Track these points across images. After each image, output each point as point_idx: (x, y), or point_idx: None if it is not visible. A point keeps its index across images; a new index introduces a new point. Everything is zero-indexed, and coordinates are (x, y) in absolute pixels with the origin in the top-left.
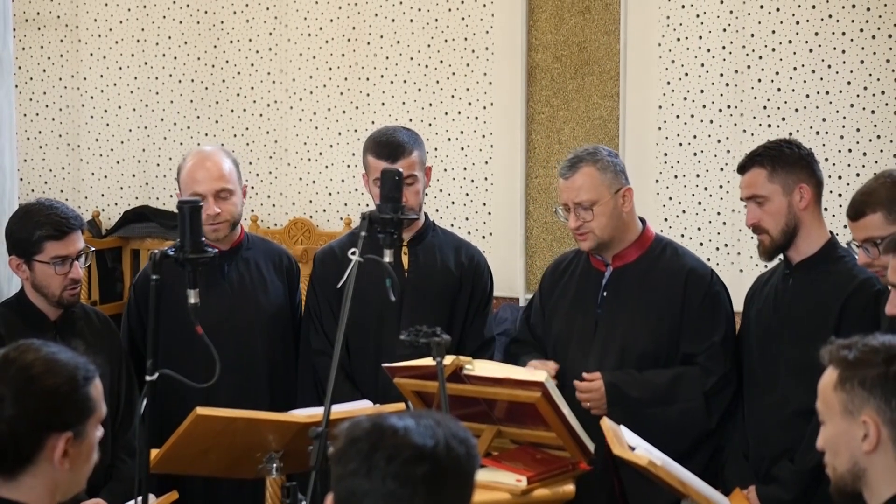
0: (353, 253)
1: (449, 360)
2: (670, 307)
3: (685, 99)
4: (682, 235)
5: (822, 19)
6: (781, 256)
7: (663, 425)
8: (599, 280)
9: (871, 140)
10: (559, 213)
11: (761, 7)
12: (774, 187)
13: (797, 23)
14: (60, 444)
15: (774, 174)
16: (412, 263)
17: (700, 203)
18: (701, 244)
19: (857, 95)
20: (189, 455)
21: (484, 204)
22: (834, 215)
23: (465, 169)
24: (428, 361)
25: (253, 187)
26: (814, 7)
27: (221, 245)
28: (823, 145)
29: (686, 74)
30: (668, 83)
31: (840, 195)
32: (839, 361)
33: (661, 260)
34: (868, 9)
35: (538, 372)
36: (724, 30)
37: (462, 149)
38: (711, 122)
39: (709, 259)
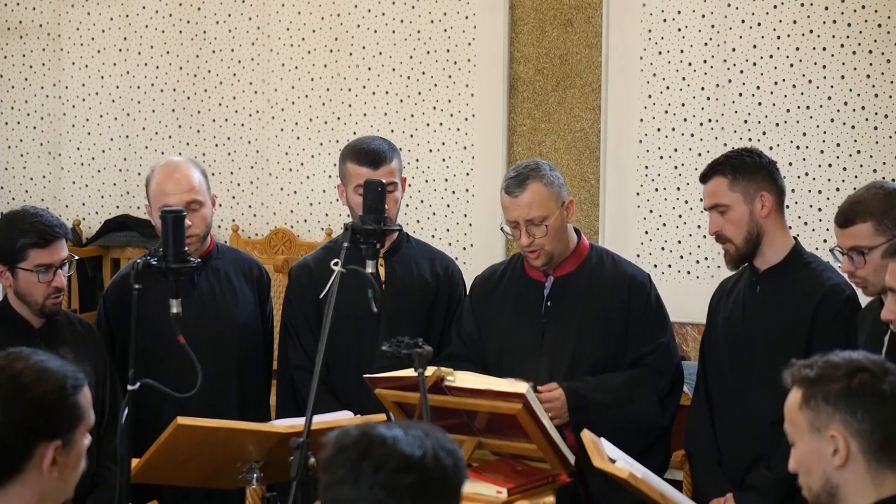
0: (336, 264)
1: (430, 371)
2: (616, 313)
3: (666, 112)
4: (663, 248)
5: (804, 34)
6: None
7: (623, 425)
8: (540, 291)
9: (851, 155)
10: (505, 230)
11: (742, 22)
12: (735, 196)
13: (778, 38)
14: (49, 452)
15: (735, 183)
16: (389, 275)
17: (681, 216)
18: (681, 257)
19: (838, 110)
20: (170, 465)
21: (465, 215)
22: (814, 229)
23: (446, 180)
24: (409, 372)
25: (234, 197)
26: (795, 22)
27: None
28: (804, 160)
29: (667, 88)
30: (650, 96)
31: (820, 209)
32: (801, 380)
33: (600, 268)
34: (849, 24)
35: (519, 383)
36: (706, 44)
37: (443, 160)
38: (692, 135)
39: (689, 272)
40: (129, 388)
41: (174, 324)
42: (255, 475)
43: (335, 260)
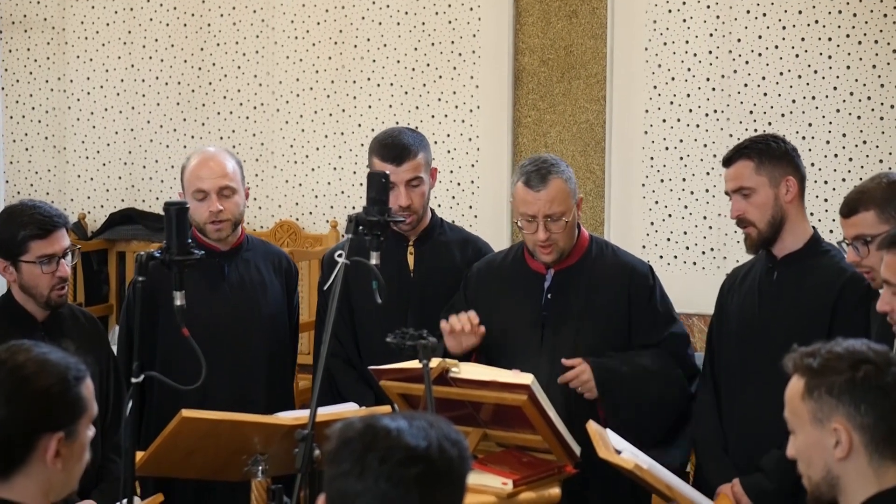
0: (340, 255)
1: (435, 362)
2: (617, 305)
3: (671, 103)
4: (668, 239)
5: (809, 25)
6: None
7: (651, 398)
8: (541, 283)
9: (856, 145)
10: (520, 224)
11: (748, 12)
12: (761, 179)
13: (783, 28)
14: (52, 444)
15: (761, 166)
16: (418, 262)
17: (686, 207)
18: (687, 248)
19: (843, 100)
20: (175, 457)
21: (470, 207)
22: (819, 220)
23: (451, 172)
24: (414, 364)
25: None
26: (800, 12)
27: (222, 245)
28: (809, 150)
29: (672, 79)
30: (655, 87)
31: (826, 200)
32: (804, 369)
33: (601, 260)
34: (854, 14)
35: (525, 375)
36: (711, 34)
37: (448, 152)
38: (698, 126)
39: (694, 263)
40: (133, 380)
41: (178, 316)
42: (260, 467)
43: (339, 251)
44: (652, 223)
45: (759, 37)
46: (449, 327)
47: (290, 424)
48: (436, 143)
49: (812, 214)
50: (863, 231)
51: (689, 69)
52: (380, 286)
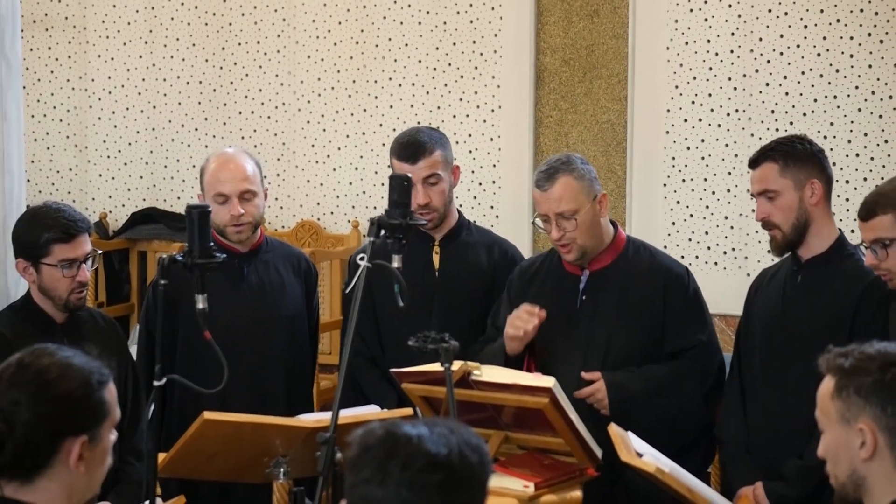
0: (362, 258)
1: (457, 365)
2: (651, 308)
3: (693, 103)
4: (690, 239)
5: (830, 24)
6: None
7: (665, 418)
8: (576, 285)
9: (878, 144)
10: (537, 223)
11: (769, 11)
12: (786, 182)
13: (805, 27)
14: (76, 447)
15: (786, 169)
16: (443, 263)
17: (707, 207)
18: (708, 248)
19: (865, 100)
20: (196, 459)
21: (492, 207)
22: (841, 219)
23: (472, 172)
24: (436, 367)
25: None
26: (822, 11)
27: (241, 247)
28: (831, 149)
29: (694, 78)
30: (676, 87)
31: (847, 199)
32: (836, 369)
33: (637, 261)
34: (876, 13)
35: (546, 378)
36: (733, 34)
37: (470, 151)
38: (719, 125)
39: (716, 263)
40: (156, 383)
41: (201, 319)
42: (282, 469)
43: (360, 255)
44: (673, 223)
45: (781, 36)
46: (514, 331)
47: (312, 427)
48: (457, 142)
49: (833, 213)
50: (881, 234)
51: (710, 68)
52: (402, 289)
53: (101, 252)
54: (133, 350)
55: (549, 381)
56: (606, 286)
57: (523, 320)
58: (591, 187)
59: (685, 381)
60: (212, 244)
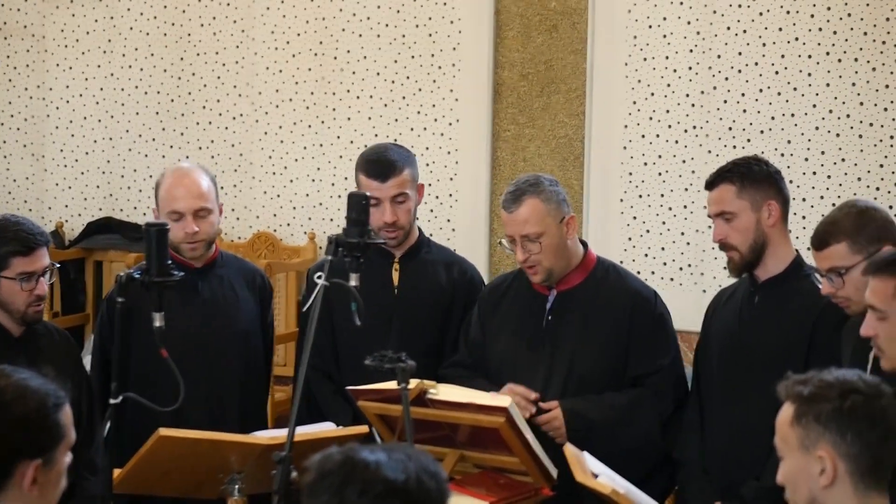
0: (320, 277)
1: (413, 383)
2: (617, 330)
3: (651, 119)
4: (647, 255)
5: (789, 42)
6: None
7: (623, 447)
8: (543, 304)
9: (835, 163)
10: (504, 244)
11: (728, 29)
12: (743, 203)
13: (763, 45)
14: (30, 471)
15: (743, 190)
16: (402, 280)
17: (664, 223)
18: (665, 264)
19: (823, 118)
20: (152, 475)
21: (448, 220)
22: (798, 237)
23: (429, 185)
24: (392, 385)
25: None
26: (780, 30)
27: (196, 262)
28: (788, 167)
29: (652, 94)
30: (634, 103)
31: (804, 217)
32: (795, 397)
33: (605, 283)
34: (834, 32)
35: (502, 397)
36: (691, 50)
37: (427, 164)
38: (677, 142)
39: (672, 279)
40: (112, 401)
41: (158, 337)
42: (236, 486)
43: (318, 273)
44: (630, 238)
45: (739, 53)
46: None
47: (267, 444)
48: (415, 156)
49: (790, 231)
50: (836, 263)
51: (668, 85)
52: (359, 308)
53: (58, 265)
54: (87, 361)
55: (505, 401)
56: (573, 307)
57: (521, 406)
58: (558, 209)
59: (644, 409)
60: (169, 262)
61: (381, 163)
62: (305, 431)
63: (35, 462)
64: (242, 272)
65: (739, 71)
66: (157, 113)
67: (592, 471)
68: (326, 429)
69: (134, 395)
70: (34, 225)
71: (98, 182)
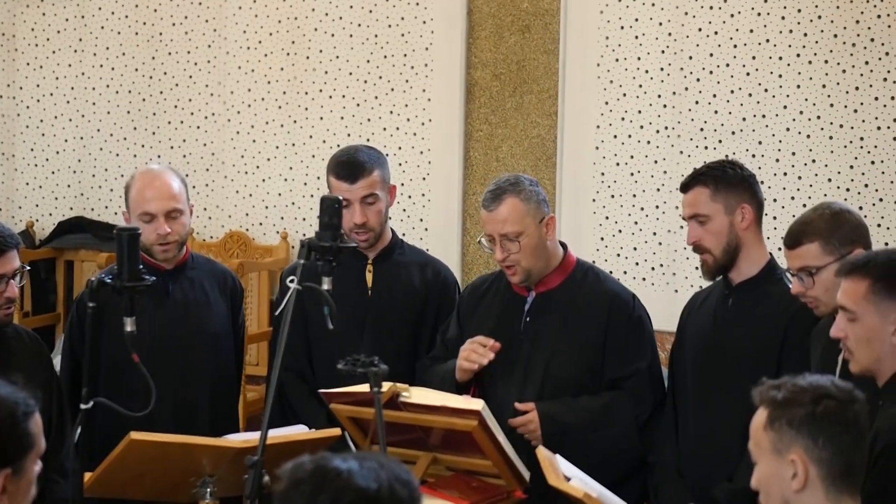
0: (292, 281)
1: (386, 386)
2: (594, 332)
3: (623, 119)
4: (619, 255)
5: (760, 44)
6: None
7: (598, 451)
8: (521, 306)
9: (806, 164)
10: (483, 243)
11: (699, 30)
12: (717, 206)
13: (735, 46)
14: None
15: (717, 193)
16: (375, 282)
17: (636, 223)
18: (637, 264)
19: (793, 119)
20: (123, 478)
21: (421, 220)
22: (769, 237)
23: (402, 185)
24: (365, 388)
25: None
26: (751, 31)
27: (167, 264)
28: (759, 168)
29: (624, 95)
30: (607, 103)
31: (775, 218)
32: (768, 401)
33: (584, 285)
34: (805, 34)
35: (475, 400)
36: (663, 52)
37: (400, 164)
38: (649, 142)
39: (644, 279)
40: (83, 406)
41: (129, 342)
42: (208, 489)
43: (291, 277)
44: (602, 238)
45: (711, 55)
46: (468, 365)
47: (240, 447)
48: (387, 155)
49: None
50: (807, 263)
51: (640, 86)
52: (331, 312)
53: (28, 267)
54: (57, 362)
55: (477, 404)
56: (551, 309)
57: (478, 354)
58: (537, 210)
59: (620, 412)
60: (141, 266)
61: (351, 164)
62: (278, 435)
63: (5, 471)
64: (213, 274)
65: (711, 72)
66: (129, 112)
67: (565, 474)
68: (299, 431)
69: (105, 401)
70: (4, 227)
71: (69, 181)
